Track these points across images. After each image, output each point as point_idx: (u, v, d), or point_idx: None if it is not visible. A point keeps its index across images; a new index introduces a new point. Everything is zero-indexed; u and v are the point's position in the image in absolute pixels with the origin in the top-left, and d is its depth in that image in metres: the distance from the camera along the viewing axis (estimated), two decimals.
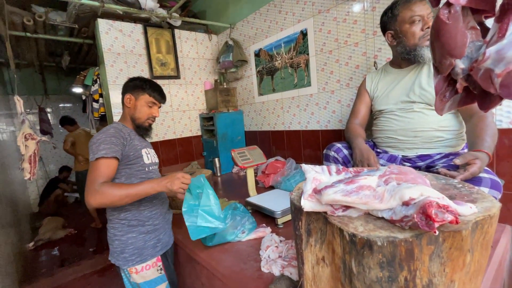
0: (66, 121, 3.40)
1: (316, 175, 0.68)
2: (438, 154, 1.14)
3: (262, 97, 2.73)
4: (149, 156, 1.24)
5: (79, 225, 3.47)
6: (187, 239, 1.38)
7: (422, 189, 0.52)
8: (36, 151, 1.95)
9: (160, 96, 1.25)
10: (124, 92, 1.23)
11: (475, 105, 1.05)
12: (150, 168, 1.24)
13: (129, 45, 2.55)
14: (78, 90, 2.92)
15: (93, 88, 2.65)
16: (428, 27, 1.11)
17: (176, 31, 2.83)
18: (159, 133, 2.79)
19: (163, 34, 2.73)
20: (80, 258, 2.55)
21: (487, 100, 0.40)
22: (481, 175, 0.91)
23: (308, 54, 2.17)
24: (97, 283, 2.23)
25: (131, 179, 1.16)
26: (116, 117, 2.48)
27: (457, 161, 0.89)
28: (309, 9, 2.07)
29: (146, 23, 2.61)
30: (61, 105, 5.09)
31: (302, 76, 2.25)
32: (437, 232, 0.46)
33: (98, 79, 2.64)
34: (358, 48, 1.81)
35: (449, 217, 0.45)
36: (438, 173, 0.90)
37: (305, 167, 0.72)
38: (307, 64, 2.19)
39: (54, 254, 2.83)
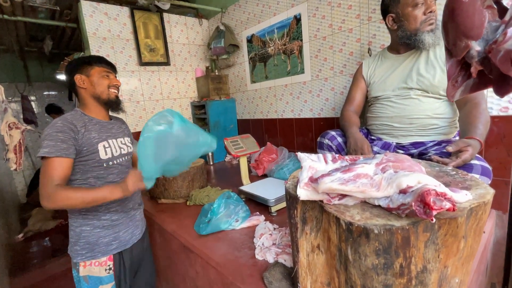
0: (53, 109, 3.28)
1: (312, 163, 0.67)
2: (431, 141, 1.15)
3: (255, 84, 2.68)
4: (109, 150, 1.10)
5: None
6: (181, 228, 1.37)
7: (419, 177, 0.52)
8: (21, 141, 1.88)
9: (108, 65, 1.15)
10: (71, 75, 1.10)
11: None
12: (110, 163, 1.11)
13: (116, 29, 2.44)
14: (63, 77, 2.80)
15: None
16: (430, 11, 1.08)
17: (165, 15, 2.72)
18: None
19: (151, 18, 2.61)
20: None
21: (505, 84, 0.38)
22: (472, 162, 0.92)
23: (301, 40, 2.12)
24: None
25: (87, 175, 1.06)
26: None
27: (450, 148, 0.90)
28: None
29: (133, 5, 2.50)
30: (45, 92, 4.89)
31: (296, 63, 2.22)
32: (434, 220, 0.46)
33: None
34: (352, 34, 1.78)
35: (447, 204, 0.45)
36: (430, 160, 0.91)
37: (301, 155, 0.71)
38: (300, 51, 2.15)
39: (45, 245, 2.80)
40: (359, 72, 1.40)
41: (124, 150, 1.18)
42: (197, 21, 3.02)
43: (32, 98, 4.66)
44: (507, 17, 0.36)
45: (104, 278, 1.08)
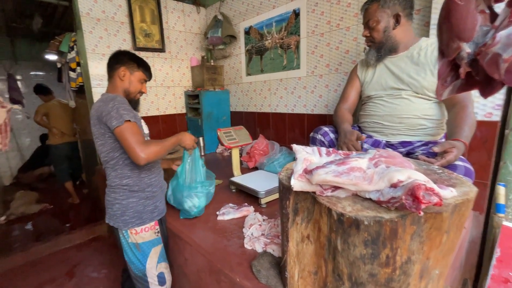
0: (41, 90, 3.15)
1: (306, 155, 0.69)
2: (418, 141, 1.18)
3: (250, 77, 2.67)
4: (145, 127, 1.31)
5: (55, 200, 3.35)
6: (170, 215, 1.38)
7: (410, 172, 0.54)
8: (7, 120, 1.81)
9: (150, 75, 1.33)
10: (115, 64, 1.23)
11: (459, 95, 1.09)
12: (147, 138, 1.29)
13: (110, 10, 2.37)
14: (52, 57, 2.70)
15: (70, 56, 2.46)
16: (365, 35, 1.27)
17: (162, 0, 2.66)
18: (141, 108, 2.66)
19: (147, 1, 2.55)
20: (56, 233, 2.48)
21: (490, 86, 0.40)
22: (456, 162, 0.96)
23: (299, 35, 2.12)
24: (74, 258, 2.20)
25: None
26: (95, 89, 2.35)
27: (436, 148, 0.93)
28: None
29: None
30: (32, 72, 4.71)
31: (292, 58, 2.22)
32: (422, 213, 0.48)
33: (75, 46, 2.45)
34: (349, 33, 1.79)
35: (435, 199, 0.47)
36: (417, 159, 0.94)
37: (296, 147, 0.73)
38: (297, 46, 2.15)
39: (28, 229, 2.74)
40: (354, 71, 1.43)
41: (147, 130, 1.35)
42: (194, 9, 2.96)
43: (18, 77, 4.48)
44: (497, 22, 0.38)
45: (155, 240, 1.23)
